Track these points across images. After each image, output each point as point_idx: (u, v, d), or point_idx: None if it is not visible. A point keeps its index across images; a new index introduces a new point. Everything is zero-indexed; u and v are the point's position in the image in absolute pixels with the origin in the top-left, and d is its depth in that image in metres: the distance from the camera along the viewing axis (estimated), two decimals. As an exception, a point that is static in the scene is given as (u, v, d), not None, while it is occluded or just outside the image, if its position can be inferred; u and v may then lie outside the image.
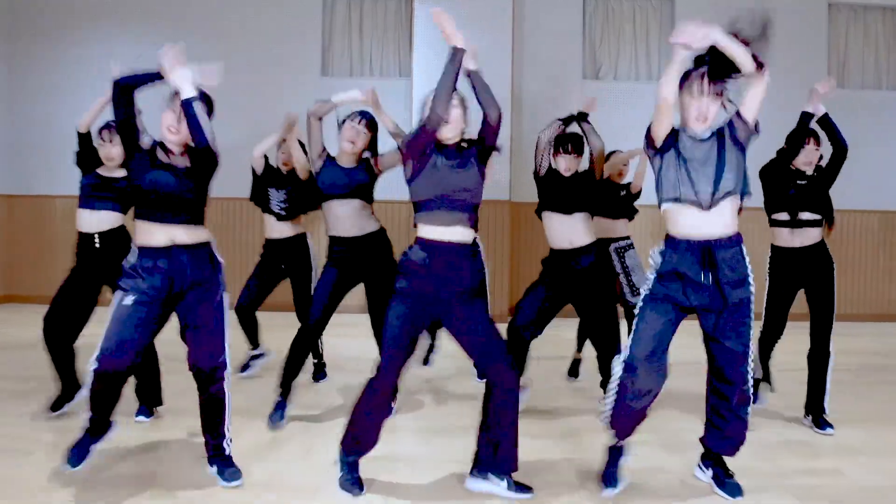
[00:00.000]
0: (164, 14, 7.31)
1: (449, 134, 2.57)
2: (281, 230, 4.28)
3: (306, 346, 3.44)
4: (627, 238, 4.41)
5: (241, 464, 2.69)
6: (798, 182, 3.58)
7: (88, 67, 7.35)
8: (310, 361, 4.07)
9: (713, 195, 2.46)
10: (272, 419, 3.35)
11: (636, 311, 2.59)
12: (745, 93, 2.52)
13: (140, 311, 2.49)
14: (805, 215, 3.54)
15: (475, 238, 2.61)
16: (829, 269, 3.55)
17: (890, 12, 7.45)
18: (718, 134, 2.52)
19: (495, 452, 2.54)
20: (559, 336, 4.57)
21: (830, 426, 3.38)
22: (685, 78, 2.51)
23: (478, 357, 2.60)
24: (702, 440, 2.67)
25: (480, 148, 2.59)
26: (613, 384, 2.56)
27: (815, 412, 3.49)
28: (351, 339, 4.85)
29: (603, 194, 4.25)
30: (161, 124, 2.63)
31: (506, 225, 7.07)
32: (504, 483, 2.55)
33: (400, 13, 7.29)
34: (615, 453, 2.64)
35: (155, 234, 2.54)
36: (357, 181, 3.43)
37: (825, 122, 3.64)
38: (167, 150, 2.62)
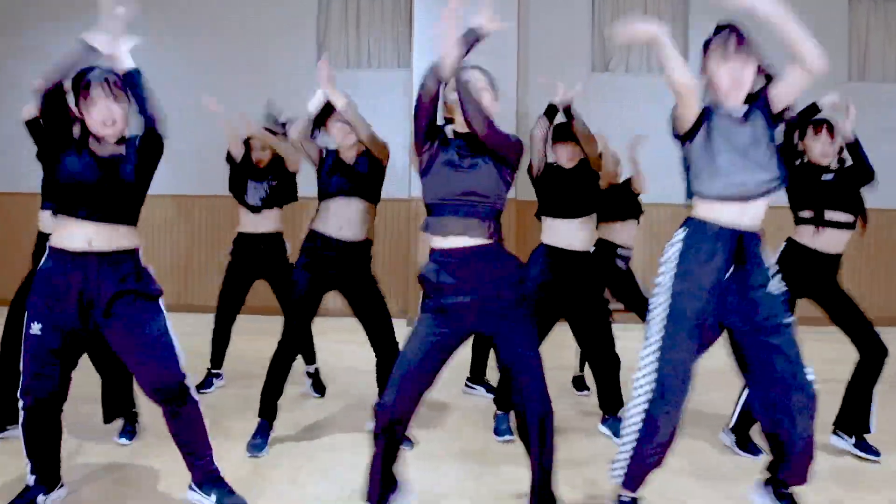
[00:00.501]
0: (151, 6, 6.97)
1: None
2: (255, 224, 3.95)
3: (288, 358, 3.09)
4: (631, 249, 4.14)
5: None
6: (823, 178, 3.19)
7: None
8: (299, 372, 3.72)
9: (758, 186, 2.10)
10: (253, 447, 2.97)
11: (651, 344, 2.16)
12: (785, 72, 2.16)
13: (51, 341, 2.14)
14: (833, 215, 3.14)
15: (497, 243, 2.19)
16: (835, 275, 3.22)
17: (912, 3, 7.15)
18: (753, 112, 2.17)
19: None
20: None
21: (876, 452, 3.03)
22: (707, 44, 2.24)
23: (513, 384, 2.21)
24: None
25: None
26: (628, 438, 2.16)
27: (859, 431, 3.13)
28: (343, 346, 4.49)
29: (608, 196, 3.97)
30: (90, 119, 2.20)
31: (511, 224, 6.74)
32: None
33: (399, 0, 6.96)
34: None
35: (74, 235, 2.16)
36: (358, 175, 3.13)
37: (854, 148, 3.29)
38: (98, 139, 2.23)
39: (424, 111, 2.15)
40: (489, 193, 2.14)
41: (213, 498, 2.26)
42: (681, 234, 2.16)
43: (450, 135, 2.25)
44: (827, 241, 3.14)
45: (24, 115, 3.18)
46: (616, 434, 3.18)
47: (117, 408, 3.04)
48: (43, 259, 2.21)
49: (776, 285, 2.15)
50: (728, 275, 2.10)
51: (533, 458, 2.17)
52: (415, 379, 2.11)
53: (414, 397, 2.13)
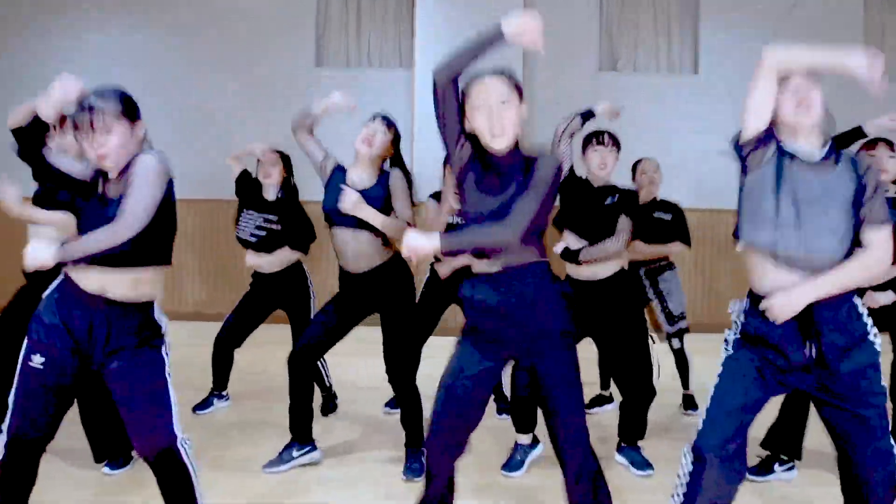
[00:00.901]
0: (150, 3, 6.86)
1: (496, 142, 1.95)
2: (259, 263, 3.65)
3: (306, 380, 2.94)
4: (663, 259, 3.84)
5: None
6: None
7: (71, 59, 6.87)
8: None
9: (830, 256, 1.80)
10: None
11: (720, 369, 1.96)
12: None
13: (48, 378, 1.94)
14: None
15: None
16: None
17: (929, 0, 6.97)
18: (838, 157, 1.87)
19: None
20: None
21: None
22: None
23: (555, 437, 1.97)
24: None
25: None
26: (682, 479, 1.92)
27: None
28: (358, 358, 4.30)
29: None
30: (88, 151, 1.96)
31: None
32: None
33: (401, -2, 6.81)
34: None
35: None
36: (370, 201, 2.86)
37: None
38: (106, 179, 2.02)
39: (440, 118, 1.94)
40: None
41: None
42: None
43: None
44: None
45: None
46: (634, 464, 2.99)
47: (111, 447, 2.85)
48: (54, 285, 2.01)
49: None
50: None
51: None
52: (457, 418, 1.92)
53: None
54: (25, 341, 1.97)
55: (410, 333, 2.95)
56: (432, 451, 1.95)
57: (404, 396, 2.93)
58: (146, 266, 1.98)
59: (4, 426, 1.96)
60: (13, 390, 1.95)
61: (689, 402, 3.91)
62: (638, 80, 6.77)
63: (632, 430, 3.07)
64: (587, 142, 3.15)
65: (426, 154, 6.35)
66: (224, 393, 3.80)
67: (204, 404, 3.72)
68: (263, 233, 3.58)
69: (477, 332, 1.94)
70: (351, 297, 2.93)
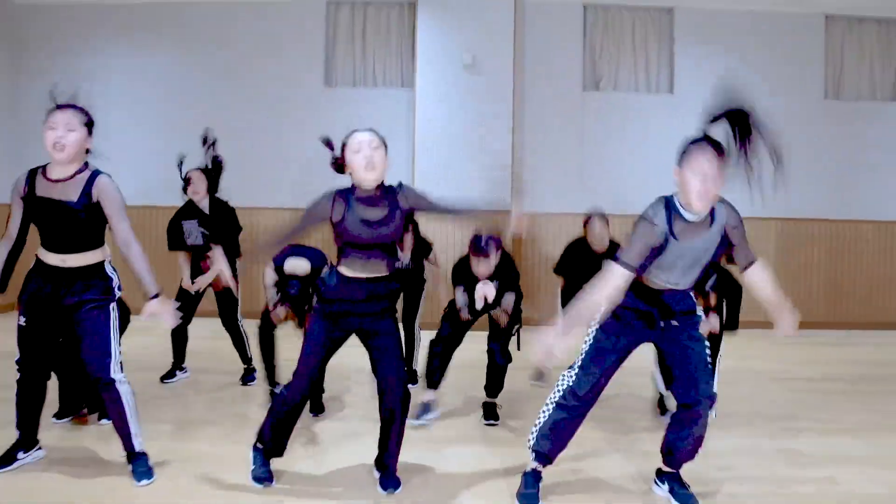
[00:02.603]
0: (169, 26, 7.40)
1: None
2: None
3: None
4: None
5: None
6: None
7: (94, 78, 7.44)
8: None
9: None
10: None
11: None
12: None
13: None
14: None
15: None
16: None
17: (884, 25, 7.55)
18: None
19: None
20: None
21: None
22: (687, 147, 2.44)
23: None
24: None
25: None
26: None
27: None
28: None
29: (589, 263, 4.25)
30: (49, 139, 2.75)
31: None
32: None
33: (402, 23, 7.38)
34: None
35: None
36: None
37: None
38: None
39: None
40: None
41: (130, 467, 2.78)
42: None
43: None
44: None
45: None
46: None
47: (71, 407, 3.50)
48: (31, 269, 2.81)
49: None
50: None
51: None
52: None
53: None
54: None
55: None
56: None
57: None
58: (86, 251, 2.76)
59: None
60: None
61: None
62: (618, 98, 7.35)
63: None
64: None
65: (427, 167, 6.96)
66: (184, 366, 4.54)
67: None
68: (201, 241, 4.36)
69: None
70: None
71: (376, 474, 2.80)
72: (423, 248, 4.56)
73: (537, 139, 7.25)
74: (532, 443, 2.68)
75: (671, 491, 2.67)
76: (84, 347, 2.72)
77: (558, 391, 2.65)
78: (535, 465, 2.67)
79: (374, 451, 2.83)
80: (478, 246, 3.59)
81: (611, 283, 2.40)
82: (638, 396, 4.12)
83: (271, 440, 2.77)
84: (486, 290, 3.62)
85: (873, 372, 5.25)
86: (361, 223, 2.57)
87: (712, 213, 2.48)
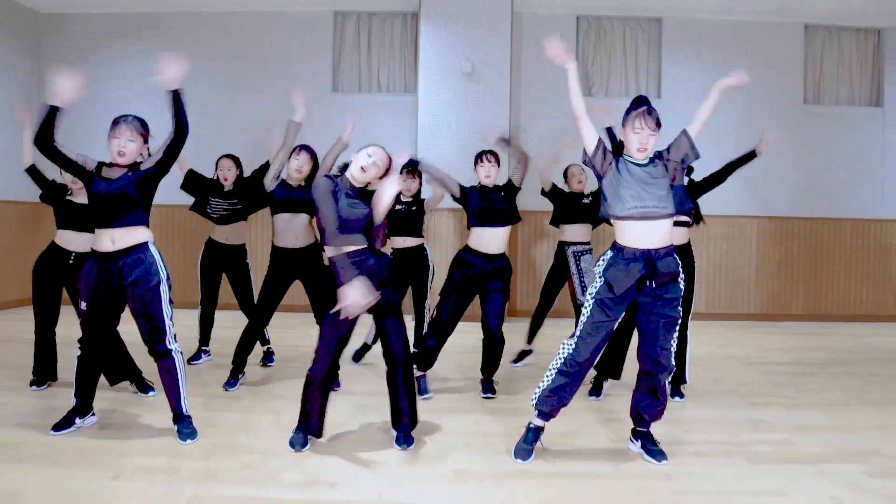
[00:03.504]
0: (182, 35, 7.80)
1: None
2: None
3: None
4: (587, 243, 4.94)
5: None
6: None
7: (110, 84, 7.85)
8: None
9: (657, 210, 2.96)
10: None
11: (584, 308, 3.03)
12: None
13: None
14: None
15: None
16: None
17: (863, 33, 7.98)
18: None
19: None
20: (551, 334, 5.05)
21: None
22: (627, 112, 2.99)
23: None
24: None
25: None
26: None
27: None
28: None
29: (569, 202, 4.98)
30: (111, 147, 3.21)
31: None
32: None
33: (406, 33, 7.80)
34: None
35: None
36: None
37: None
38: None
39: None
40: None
41: (176, 428, 3.21)
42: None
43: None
44: None
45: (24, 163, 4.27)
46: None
47: (120, 374, 3.98)
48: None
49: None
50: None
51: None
52: None
53: None
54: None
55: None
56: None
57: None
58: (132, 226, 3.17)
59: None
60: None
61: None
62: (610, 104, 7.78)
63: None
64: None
65: (428, 167, 7.37)
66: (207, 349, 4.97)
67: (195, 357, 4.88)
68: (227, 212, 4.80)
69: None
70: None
71: (393, 432, 3.22)
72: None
73: (533, 144, 7.67)
74: (535, 402, 3.06)
75: (643, 447, 3.09)
76: (140, 321, 3.15)
77: (560, 359, 3.01)
78: (538, 421, 3.08)
79: (378, 420, 3.24)
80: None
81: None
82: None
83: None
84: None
85: (842, 357, 5.67)
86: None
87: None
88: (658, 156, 3.02)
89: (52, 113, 3.09)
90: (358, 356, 4.96)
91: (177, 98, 3.28)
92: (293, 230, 4.16)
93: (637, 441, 3.14)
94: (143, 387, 3.99)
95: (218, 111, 7.74)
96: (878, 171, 7.95)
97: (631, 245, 2.91)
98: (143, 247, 3.15)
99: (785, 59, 7.87)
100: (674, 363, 3.05)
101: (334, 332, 3.04)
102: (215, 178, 4.91)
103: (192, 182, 4.88)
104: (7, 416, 3.52)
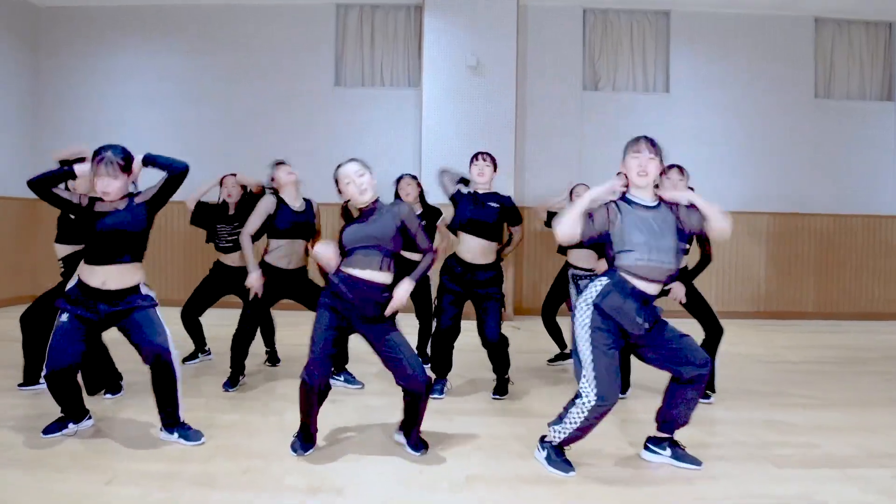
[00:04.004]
0: (184, 27, 7.68)
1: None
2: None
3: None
4: (590, 270, 4.74)
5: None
6: None
7: (109, 79, 7.73)
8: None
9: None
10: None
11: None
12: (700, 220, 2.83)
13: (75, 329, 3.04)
14: None
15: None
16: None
17: (873, 26, 7.85)
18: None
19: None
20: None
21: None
22: (625, 149, 2.85)
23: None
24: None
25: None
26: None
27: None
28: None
29: None
30: (96, 186, 3.03)
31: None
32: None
33: (409, 26, 7.66)
34: None
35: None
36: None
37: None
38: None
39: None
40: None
41: (175, 435, 3.09)
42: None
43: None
44: None
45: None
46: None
47: (99, 383, 3.83)
48: (72, 284, 3.06)
49: None
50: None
51: None
52: None
53: None
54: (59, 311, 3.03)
55: None
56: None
57: None
58: (125, 263, 3.05)
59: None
60: (50, 340, 2.98)
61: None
62: (617, 98, 7.65)
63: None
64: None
65: (430, 162, 7.21)
66: (206, 348, 4.89)
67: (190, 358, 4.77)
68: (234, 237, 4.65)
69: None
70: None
71: (402, 439, 3.07)
72: (432, 213, 4.79)
73: (539, 136, 7.54)
74: (559, 440, 2.84)
75: (674, 455, 2.93)
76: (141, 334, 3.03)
77: (585, 409, 2.73)
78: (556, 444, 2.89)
79: (384, 419, 3.10)
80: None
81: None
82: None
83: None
84: None
85: (858, 356, 5.54)
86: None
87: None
88: (667, 205, 2.85)
89: (66, 175, 3.06)
90: None
91: (148, 162, 3.10)
92: (289, 254, 4.06)
93: (664, 449, 2.97)
94: (118, 388, 3.88)
95: (219, 104, 7.62)
96: (889, 166, 7.81)
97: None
98: (135, 290, 3.08)
99: (795, 52, 7.73)
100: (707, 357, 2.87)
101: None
102: (219, 199, 4.76)
103: (201, 214, 4.74)
104: (-1, 417, 3.39)
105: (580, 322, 2.77)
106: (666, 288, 3.69)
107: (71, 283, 3.06)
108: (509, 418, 3.57)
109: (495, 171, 4.04)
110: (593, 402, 2.70)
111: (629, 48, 7.73)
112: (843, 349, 5.83)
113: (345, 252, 2.98)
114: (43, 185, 2.99)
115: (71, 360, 2.95)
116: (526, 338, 5.10)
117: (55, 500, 2.45)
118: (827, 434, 3.38)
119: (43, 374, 3.04)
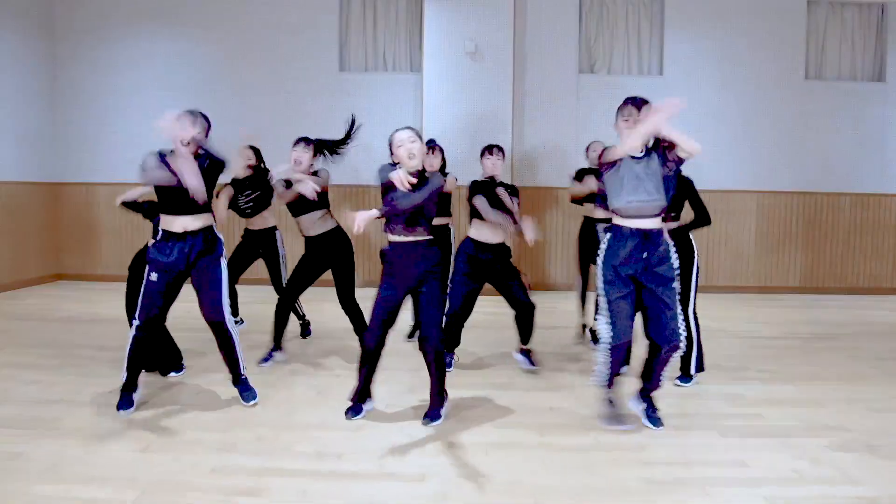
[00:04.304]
0: (194, 13, 7.97)
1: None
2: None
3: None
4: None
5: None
6: None
7: (124, 65, 8.07)
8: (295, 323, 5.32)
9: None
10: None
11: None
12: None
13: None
14: None
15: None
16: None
17: (866, 8, 8.00)
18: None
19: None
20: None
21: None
22: (618, 110, 3.41)
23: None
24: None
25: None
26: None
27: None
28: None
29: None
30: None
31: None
32: None
33: (411, 12, 7.92)
34: None
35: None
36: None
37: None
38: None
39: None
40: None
41: (238, 390, 3.70)
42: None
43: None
44: None
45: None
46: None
47: (168, 365, 4.26)
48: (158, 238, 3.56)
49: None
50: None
51: None
52: None
53: None
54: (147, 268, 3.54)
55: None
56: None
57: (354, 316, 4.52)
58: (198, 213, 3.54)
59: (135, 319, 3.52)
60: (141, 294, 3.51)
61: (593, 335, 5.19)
62: (612, 80, 7.89)
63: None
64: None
65: (433, 146, 7.56)
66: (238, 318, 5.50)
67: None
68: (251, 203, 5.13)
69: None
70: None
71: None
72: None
73: (535, 117, 7.85)
74: (596, 382, 3.43)
75: (646, 411, 3.47)
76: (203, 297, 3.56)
77: (605, 351, 3.33)
78: (608, 392, 3.44)
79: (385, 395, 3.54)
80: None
81: None
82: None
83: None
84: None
85: (827, 331, 5.91)
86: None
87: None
88: (656, 148, 3.30)
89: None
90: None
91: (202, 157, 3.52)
92: (311, 222, 4.43)
93: (643, 402, 3.50)
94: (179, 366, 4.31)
95: (230, 89, 7.95)
96: (878, 146, 8.05)
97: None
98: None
99: (787, 33, 7.92)
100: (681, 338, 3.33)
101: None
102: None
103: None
104: (41, 394, 3.86)
105: (599, 276, 3.36)
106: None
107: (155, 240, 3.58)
108: (491, 391, 4.00)
109: (503, 161, 4.44)
110: (610, 341, 3.30)
111: (624, 31, 7.95)
112: (817, 324, 6.20)
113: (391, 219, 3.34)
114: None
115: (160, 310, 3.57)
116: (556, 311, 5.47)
117: (99, 467, 2.91)
118: (775, 406, 3.79)
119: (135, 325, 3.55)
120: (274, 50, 7.94)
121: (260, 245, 5.27)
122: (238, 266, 5.28)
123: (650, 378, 3.42)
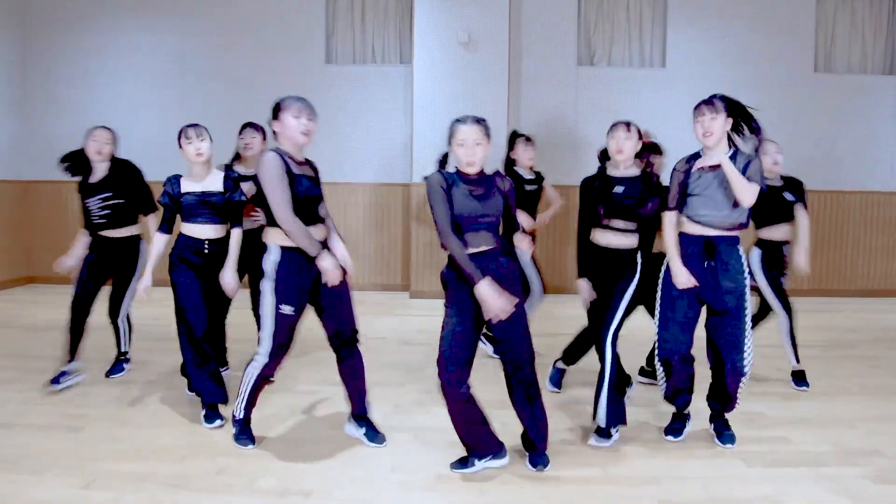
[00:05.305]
0: (176, 4, 7.55)
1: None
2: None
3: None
4: None
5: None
6: None
7: (100, 56, 7.65)
8: None
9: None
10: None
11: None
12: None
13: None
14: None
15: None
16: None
17: (877, -2, 7.65)
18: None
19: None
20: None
21: None
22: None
23: None
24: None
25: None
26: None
27: None
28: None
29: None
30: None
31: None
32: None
33: (400, 2, 7.51)
34: None
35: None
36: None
37: None
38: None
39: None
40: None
41: (363, 431, 3.15)
42: None
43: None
44: None
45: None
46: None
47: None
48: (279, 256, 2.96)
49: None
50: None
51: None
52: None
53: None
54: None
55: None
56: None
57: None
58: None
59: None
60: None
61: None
62: (612, 72, 7.51)
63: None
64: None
65: (422, 140, 7.16)
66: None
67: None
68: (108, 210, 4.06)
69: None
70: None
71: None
72: (539, 178, 4.73)
73: (531, 111, 7.45)
74: (664, 392, 3.26)
75: (716, 430, 3.27)
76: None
77: (660, 362, 3.20)
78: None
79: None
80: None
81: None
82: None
83: None
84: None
85: (843, 338, 5.54)
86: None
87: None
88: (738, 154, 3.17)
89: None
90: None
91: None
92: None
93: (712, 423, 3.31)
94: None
95: (210, 81, 7.54)
96: (888, 141, 7.69)
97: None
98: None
99: (795, 24, 7.55)
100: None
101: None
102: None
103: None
104: (-16, 413, 3.44)
105: (659, 293, 3.23)
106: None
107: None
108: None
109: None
110: (660, 351, 3.17)
111: (625, 23, 7.56)
112: (831, 330, 5.83)
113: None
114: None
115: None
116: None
117: (31, 505, 2.51)
118: (800, 428, 3.40)
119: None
120: (257, 41, 7.53)
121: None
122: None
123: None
